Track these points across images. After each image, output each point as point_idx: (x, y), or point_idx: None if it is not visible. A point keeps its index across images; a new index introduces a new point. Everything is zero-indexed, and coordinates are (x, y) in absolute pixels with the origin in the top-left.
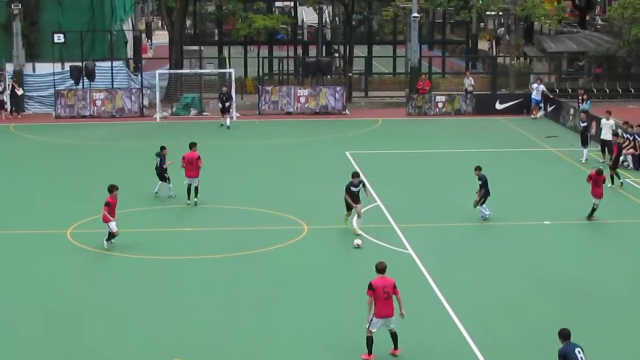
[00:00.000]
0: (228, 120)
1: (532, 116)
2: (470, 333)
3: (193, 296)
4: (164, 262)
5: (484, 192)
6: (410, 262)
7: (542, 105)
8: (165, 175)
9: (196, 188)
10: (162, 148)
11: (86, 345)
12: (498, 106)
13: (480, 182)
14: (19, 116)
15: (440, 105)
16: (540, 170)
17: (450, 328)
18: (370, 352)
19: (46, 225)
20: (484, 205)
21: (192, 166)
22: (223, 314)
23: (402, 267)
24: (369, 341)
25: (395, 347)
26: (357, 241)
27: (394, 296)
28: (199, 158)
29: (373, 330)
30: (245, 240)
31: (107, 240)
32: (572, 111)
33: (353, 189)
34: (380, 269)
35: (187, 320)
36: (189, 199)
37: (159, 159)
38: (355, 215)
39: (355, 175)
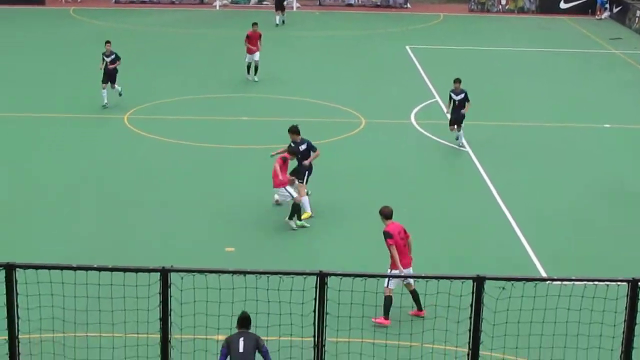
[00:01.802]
0: (278, 18)
1: (596, 17)
2: (526, 235)
3: (246, 186)
4: (219, 151)
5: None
6: (467, 161)
7: (607, 6)
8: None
9: (256, 67)
10: (107, 42)
11: (139, 234)
12: (562, 5)
13: (461, 97)
14: (79, 0)
15: (503, 2)
16: (602, 73)
17: (505, 229)
18: (388, 315)
19: (104, 110)
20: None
21: (253, 41)
22: (266, 205)
23: (459, 165)
24: (389, 302)
25: (420, 308)
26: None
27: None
28: (260, 37)
29: (392, 288)
30: (303, 132)
31: (290, 219)
32: (638, 13)
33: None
34: (388, 213)
35: (239, 210)
36: (248, 73)
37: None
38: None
39: (294, 131)
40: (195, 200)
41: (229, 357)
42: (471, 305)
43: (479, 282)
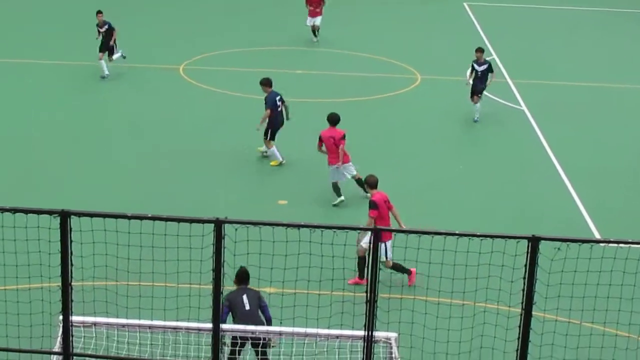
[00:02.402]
0: None
1: None
2: (580, 195)
3: (300, 140)
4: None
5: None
6: (523, 119)
7: None
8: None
9: (317, 29)
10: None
11: (193, 185)
12: None
13: (483, 68)
14: None
15: None
16: None
17: (560, 189)
18: (363, 275)
19: (160, 60)
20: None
21: (315, 3)
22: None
23: (514, 123)
24: (363, 262)
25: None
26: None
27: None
28: (322, 1)
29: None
30: (357, 87)
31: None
32: None
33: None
34: (373, 182)
35: (293, 164)
36: (314, 35)
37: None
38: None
39: (266, 83)
40: (248, 153)
41: (229, 315)
42: (525, 265)
43: (534, 242)
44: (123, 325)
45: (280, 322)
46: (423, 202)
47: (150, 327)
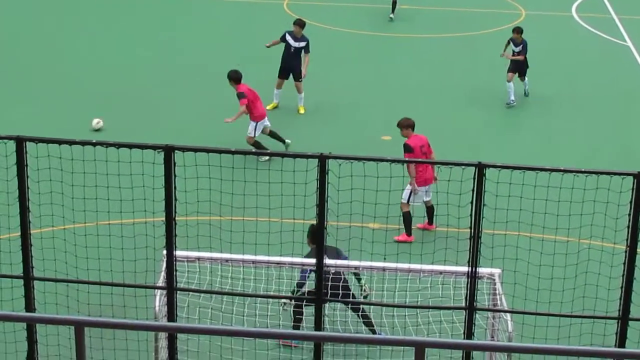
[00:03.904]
0: None
1: None
2: None
3: (407, 77)
4: (381, 39)
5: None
6: (628, 55)
7: None
8: None
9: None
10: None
11: (296, 123)
12: None
13: (519, 49)
14: None
15: None
16: None
17: None
18: (410, 232)
19: None
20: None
21: None
22: (432, 95)
23: (618, 60)
24: (408, 217)
25: (430, 222)
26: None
27: None
28: None
29: (412, 204)
30: (461, 22)
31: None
32: None
33: (291, 42)
34: (408, 124)
35: (396, 99)
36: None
37: None
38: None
39: (299, 23)
40: (353, 88)
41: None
42: (630, 202)
43: None
44: (226, 260)
45: (384, 258)
46: (534, 138)
47: (253, 262)
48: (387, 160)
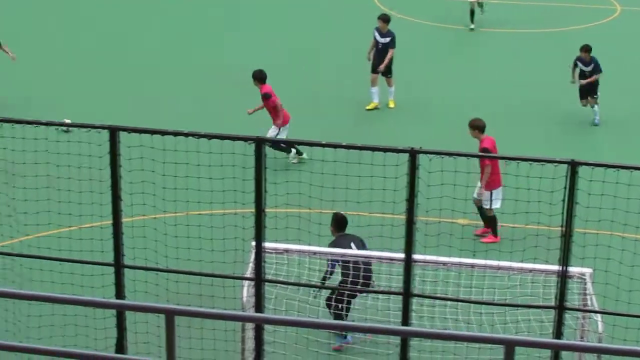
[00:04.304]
0: None
1: None
2: None
3: (497, 72)
4: (472, 33)
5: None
6: None
7: None
8: None
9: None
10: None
11: (383, 119)
12: None
13: (589, 68)
14: None
15: None
16: None
17: None
18: (496, 233)
19: None
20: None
21: None
22: (526, 90)
23: None
24: (494, 220)
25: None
26: None
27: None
28: None
29: (496, 207)
30: (554, 17)
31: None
32: None
33: (378, 37)
34: (479, 126)
35: (482, 98)
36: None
37: None
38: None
39: (383, 18)
40: (442, 83)
41: (337, 265)
42: None
43: None
44: (314, 253)
45: (473, 255)
46: (620, 136)
47: (342, 255)
48: (478, 156)
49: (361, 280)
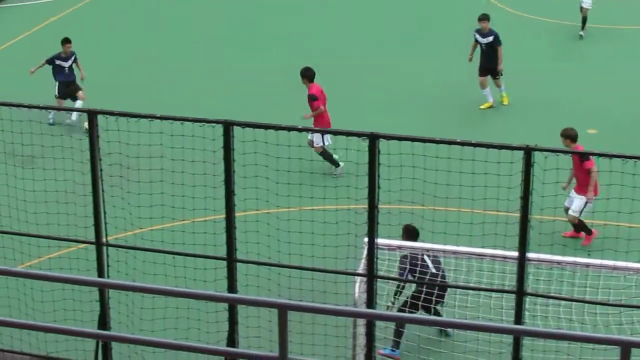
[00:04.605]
0: None
1: None
2: None
3: (609, 69)
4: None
5: None
6: None
7: None
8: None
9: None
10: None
11: (496, 116)
12: None
13: (488, 40)
14: None
15: None
16: None
17: None
18: (590, 231)
19: None
20: None
21: None
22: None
23: None
24: (581, 223)
25: (578, 230)
26: None
27: None
28: None
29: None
30: None
31: None
32: None
33: (480, 39)
34: (570, 135)
35: (596, 95)
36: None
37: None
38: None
39: (483, 18)
40: (554, 80)
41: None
42: None
43: None
44: (427, 250)
45: (588, 254)
46: None
47: (454, 252)
48: (595, 154)
49: (436, 292)
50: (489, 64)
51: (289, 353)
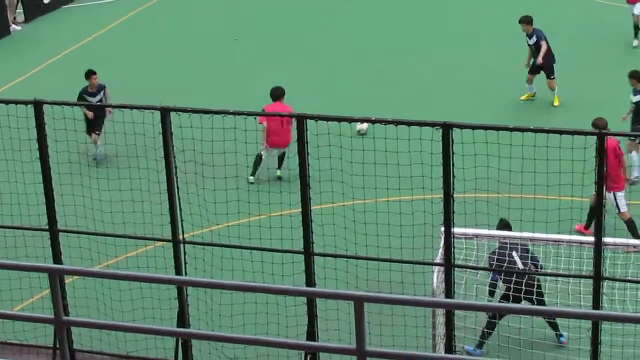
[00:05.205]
0: None
1: None
2: None
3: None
4: None
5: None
6: None
7: None
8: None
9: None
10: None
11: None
12: None
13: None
14: None
15: None
16: None
17: None
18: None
19: None
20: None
21: None
22: None
23: None
24: (633, 223)
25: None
26: None
27: None
28: None
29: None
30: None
31: None
32: None
33: (527, 40)
34: (599, 125)
35: None
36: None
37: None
38: None
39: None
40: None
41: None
42: None
43: None
44: (504, 238)
45: None
46: None
47: (531, 239)
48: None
49: (524, 288)
50: (538, 65)
51: (369, 345)
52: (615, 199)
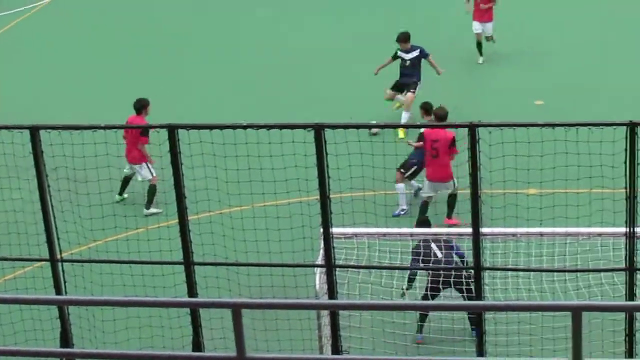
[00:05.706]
0: None
1: None
2: None
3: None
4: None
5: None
6: None
7: None
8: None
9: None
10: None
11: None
12: None
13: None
14: None
15: None
16: None
17: None
18: None
19: None
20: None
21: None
22: None
23: None
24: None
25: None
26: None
27: None
28: None
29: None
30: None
31: None
32: None
33: (403, 55)
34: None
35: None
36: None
37: None
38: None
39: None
40: None
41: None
42: None
43: None
44: (384, 235)
45: (540, 223)
46: None
47: (411, 234)
48: (537, 125)
49: (442, 279)
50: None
51: (255, 351)
52: None
